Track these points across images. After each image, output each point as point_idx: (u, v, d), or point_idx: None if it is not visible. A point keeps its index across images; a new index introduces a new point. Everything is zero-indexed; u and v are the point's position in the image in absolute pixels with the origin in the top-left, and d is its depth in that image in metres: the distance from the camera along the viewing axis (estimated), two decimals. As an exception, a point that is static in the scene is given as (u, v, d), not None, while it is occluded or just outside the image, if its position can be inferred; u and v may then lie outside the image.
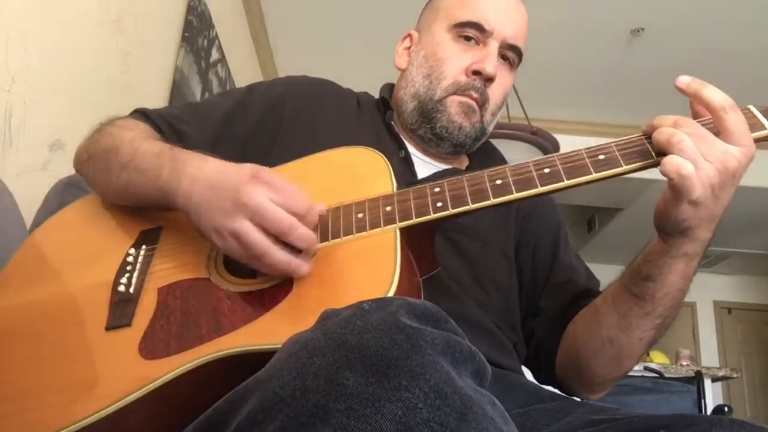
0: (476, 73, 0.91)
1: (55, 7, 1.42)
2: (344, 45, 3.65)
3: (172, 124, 0.90)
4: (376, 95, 1.07)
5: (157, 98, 2.09)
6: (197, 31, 2.43)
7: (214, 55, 2.68)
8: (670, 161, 0.64)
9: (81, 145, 0.89)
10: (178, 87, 2.22)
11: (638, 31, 3.42)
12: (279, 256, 0.63)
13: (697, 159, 0.63)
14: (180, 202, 0.70)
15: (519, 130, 2.47)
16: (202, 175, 0.68)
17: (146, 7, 1.94)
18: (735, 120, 0.64)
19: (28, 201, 1.06)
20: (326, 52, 3.71)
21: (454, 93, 0.92)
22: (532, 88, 2.97)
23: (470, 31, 0.93)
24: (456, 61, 0.93)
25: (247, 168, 0.66)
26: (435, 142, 0.95)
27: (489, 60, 0.91)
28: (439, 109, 0.92)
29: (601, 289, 0.91)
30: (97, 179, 0.85)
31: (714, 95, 0.64)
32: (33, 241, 0.85)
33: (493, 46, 0.92)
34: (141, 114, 0.92)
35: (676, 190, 0.64)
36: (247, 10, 3.34)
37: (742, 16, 3.24)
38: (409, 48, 1.03)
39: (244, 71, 3.27)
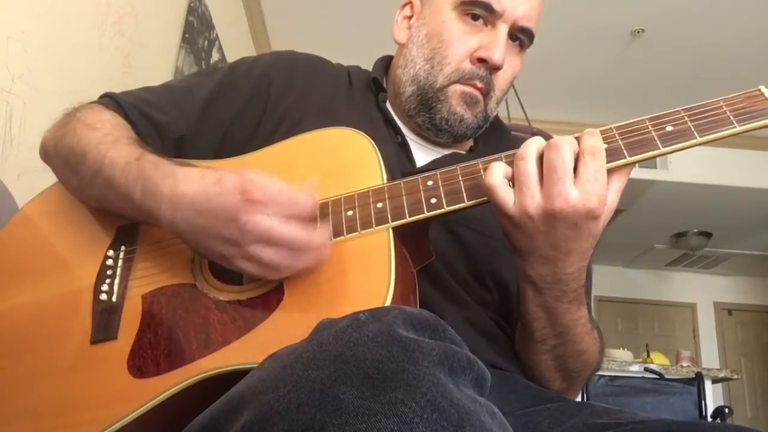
0: (482, 60, 0.84)
1: (55, 8, 1.42)
2: (345, 46, 3.64)
3: (147, 113, 0.83)
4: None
5: (157, 99, 2.09)
6: (198, 33, 2.43)
7: (215, 56, 2.68)
8: (490, 167, 0.63)
9: (46, 136, 0.83)
10: (178, 88, 2.22)
11: (638, 31, 3.42)
12: (305, 262, 0.60)
13: (527, 181, 0.61)
14: (166, 227, 0.65)
15: (519, 131, 2.46)
16: (181, 197, 0.63)
17: (147, 8, 1.94)
18: (592, 167, 0.60)
19: (28, 203, 1.05)
20: (327, 53, 3.70)
21: (457, 81, 0.85)
22: (533, 88, 2.96)
23: (478, 11, 0.84)
24: (461, 44, 0.85)
25: (233, 186, 0.60)
26: (434, 132, 0.88)
27: (496, 47, 0.83)
28: (439, 99, 0.86)
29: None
30: (69, 182, 0.79)
31: (589, 139, 0.61)
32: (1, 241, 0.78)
33: (502, 29, 0.84)
34: (112, 101, 0.84)
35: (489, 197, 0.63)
36: (247, 11, 3.34)
37: (742, 17, 3.23)
38: (410, 18, 0.94)
39: (245, 71, 3.27)
